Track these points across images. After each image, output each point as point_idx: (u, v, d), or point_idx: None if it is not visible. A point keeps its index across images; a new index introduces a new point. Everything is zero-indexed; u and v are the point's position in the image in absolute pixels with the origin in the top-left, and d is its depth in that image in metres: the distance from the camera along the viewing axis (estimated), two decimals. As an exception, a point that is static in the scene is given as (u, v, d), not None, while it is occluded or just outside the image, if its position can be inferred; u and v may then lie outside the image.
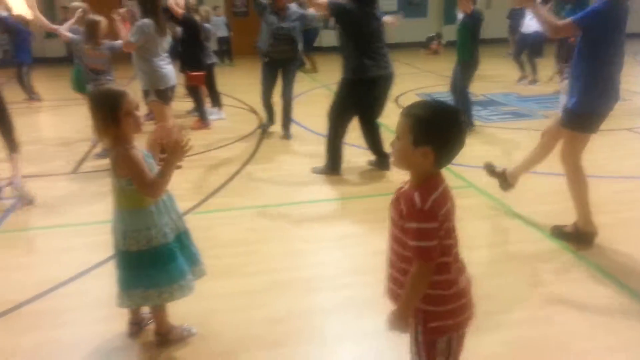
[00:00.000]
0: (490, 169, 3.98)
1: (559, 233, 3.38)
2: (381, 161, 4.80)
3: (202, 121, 6.55)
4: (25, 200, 4.12)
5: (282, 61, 5.82)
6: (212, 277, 2.74)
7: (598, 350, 2.35)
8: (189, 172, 4.90)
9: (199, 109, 6.60)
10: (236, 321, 2.59)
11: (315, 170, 4.78)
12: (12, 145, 4.13)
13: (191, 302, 2.56)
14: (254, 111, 7.55)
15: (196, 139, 5.99)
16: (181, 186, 4.46)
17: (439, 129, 1.51)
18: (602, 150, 5.42)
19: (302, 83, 10.10)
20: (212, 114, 6.96)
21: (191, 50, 6.28)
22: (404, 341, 1.72)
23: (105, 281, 2.44)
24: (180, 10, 5.79)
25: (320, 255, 3.29)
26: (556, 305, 2.68)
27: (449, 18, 15.86)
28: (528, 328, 2.50)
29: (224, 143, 5.88)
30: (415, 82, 9.68)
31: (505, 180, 3.84)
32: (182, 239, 2.33)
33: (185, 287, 2.26)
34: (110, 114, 2.05)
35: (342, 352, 2.38)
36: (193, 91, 6.56)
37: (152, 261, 2.20)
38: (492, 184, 4.37)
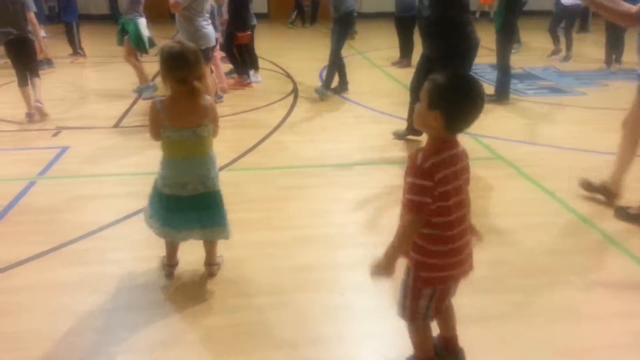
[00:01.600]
0: (587, 185, 3.60)
1: (624, 215, 3.30)
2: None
3: (243, 79, 6.79)
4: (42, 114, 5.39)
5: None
6: (242, 229, 2.96)
7: (608, 317, 2.44)
8: (225, 132, 5.04)
9: (241, 68, 6.82)
10: (263, 268, 2.79)
11: (397, 134, 4.82)
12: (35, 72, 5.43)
13: (223, 250, 2.77)
14: (288, 75, 7.66)
15: (234, 100, 6.20)
16: (217, 145, 4.65)
17: (449, 96, 1.62)
18: None
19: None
20: (250, 76, 7.13)
21: (239, 11, 6.48)
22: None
23: (144, 226, 2.65)
24: None
25: (342, 216, 3.43)
26: (570, 275, 2.76)
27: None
28: (540, 292, 2.60)
29: (260, 104, 6.02)
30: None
31: (608, 191, 3.49)
32: None
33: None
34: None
35: (359, 302, 2.54)
36: (239, 50, 6.74)
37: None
38: (519, 156, 4.42)
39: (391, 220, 3.27)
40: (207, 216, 2.53)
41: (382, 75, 7.80)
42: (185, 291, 2.61)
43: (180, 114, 2.35)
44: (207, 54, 4.96)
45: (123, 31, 6.05)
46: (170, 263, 2.69)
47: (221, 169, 3.94)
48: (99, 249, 2.99)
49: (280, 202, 3.59)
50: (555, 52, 9.01)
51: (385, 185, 3.94)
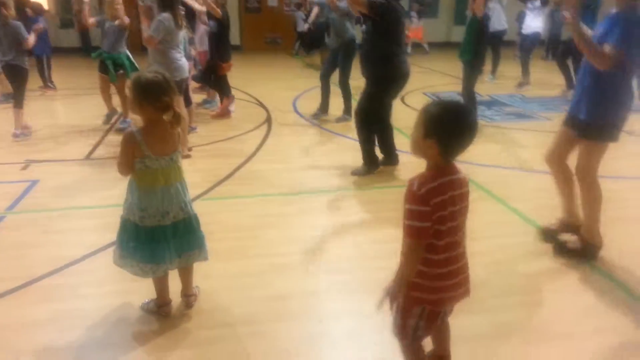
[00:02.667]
0: (548, 233, 3.45)
1: (562, 250, 3.25)
2: (389, 159, 4.84)
3: (225, 110, 6.83)
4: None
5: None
6: (218, 258, 2.93)
7: (584, 334, 2.48)
8: (200, 161, 5.08)
9: (227, 90, 6.91)
10: (239, 298, 2.75)
11: (355, 172, 4.72)
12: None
13: (198, 280, 2.74)
14: (261, 104, 7.72)
15: (208, 130, 6.20)
16: (192, 174, 4.63)
17: (443, 125, 1.68)
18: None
19: (311, 79, 10.29)
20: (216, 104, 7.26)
21: (222, 42, 6.55)
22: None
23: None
24: (219, 10, 6.14)
25: (318, 243, 3.44)
26: (545, 292, 2.82)
27: (459, 19, 15.97)
28: (517, 311, 2.64)
29: (234, 134, 6.04)
30: (423, 81, 9.79)
31: (570, 225, 3.38)
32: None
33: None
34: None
35: (338, 328, 2.53)
36: (220, 81, 6.79)
37: None
38: (489, 179, 4.52)
39: (370, 246, 3.35)
40: (188, 241, 2.51)
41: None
42: (161, 324, 2.55)
43: (159, 141, 2.35)
44: (181, 85, 4.98)
45: (115, 66, 6.07)
46: (166, 301, 2.61)
47: (196, 198, 3.94)
48: (71, 284, 2.91)
49: (256, 230, 3.58)
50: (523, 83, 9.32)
51: (361, 211, 3.97)
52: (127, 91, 2.41)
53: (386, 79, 4.46)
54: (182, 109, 4.96)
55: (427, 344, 2.06)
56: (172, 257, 2.47)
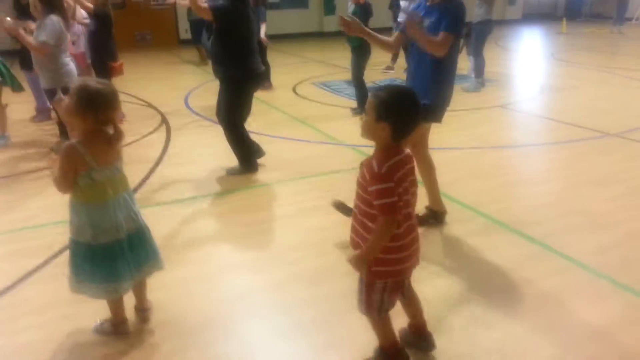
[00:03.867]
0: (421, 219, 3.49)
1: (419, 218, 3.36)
2: (247, 165, 4.71)
3: (121, 114, 6.36)
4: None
5: None
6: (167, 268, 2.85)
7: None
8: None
9: None
10: (195, 304, 2.73)
11: (230, 172, 4.69)
12: None
13: (151, 293, 2.66)
14: (151, 105, 7.42)
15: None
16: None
17: (395, 108, 1.86)
18: (483, 124, 6.22)
19: (195, 76, 10.05)
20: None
21: (106, 40, 6.13)
22: (353, 304, 2.10)
23: (47, 285, 2.40)
24: (90, 5, 5.70)
25: (261, 238, 3.50)
26: (466, 258, 3.18)
27: (329, 9, 16.54)
28: (449, 275, 2.95)
29: (131, 139, 5.75)
30: (308, 71, 10.06)
31: (435, 213, 3.58)
32: None
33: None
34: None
35: (300, 316, 2.63)
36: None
37: None
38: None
39: (312, 234, 3.44)
40: (145, 252, 2.43)
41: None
42: (125, 344, 2.44)
43: (103, 152, 2.23)
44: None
45: None
46: (123, 319, 2.49)
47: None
48: (6, 317, 2.66)
49: (194, 236, 3.52)
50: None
51: (290, 202, 4.07)
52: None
53: (239, 79, 4.40)
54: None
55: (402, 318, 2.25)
56: (133, 272, 2.38)
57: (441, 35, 3.10)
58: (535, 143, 5.49)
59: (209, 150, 5.37)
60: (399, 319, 2.26)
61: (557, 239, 3.34)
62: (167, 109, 7.16)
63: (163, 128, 6.25)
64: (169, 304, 2.72)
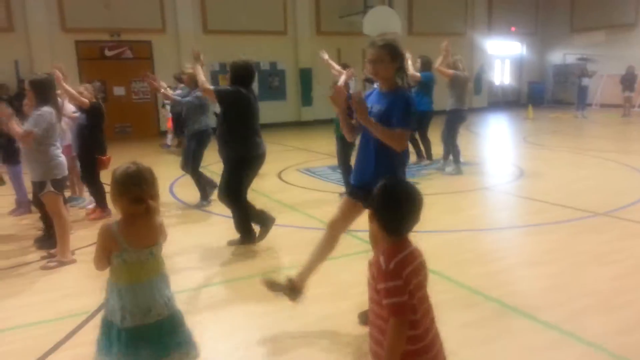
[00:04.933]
0: (270, 284, 3.41)
1: (271, 285, 3.37)
2: (248, 236, 4.89)
3: (103, 210, 6.12)
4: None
5: None
6: None
7: None
8: (86, 265, 4.55)
9: (100, 196, 6.16)
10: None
11: (231, 243, 4.91)
12: None
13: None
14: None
15: (88, 230, 5.59)
16: (87, 282, 4.16)
17: (382, 205, 1.85)
18: (472, 207, 6.27)
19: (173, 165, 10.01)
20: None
21: (96, 132, 6.07)
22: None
23: None
24: (86, 100, 5.73)
25: (265, 330, 3.29)
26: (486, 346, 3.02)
27: (306, 101, 17.19)
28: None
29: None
30: (291, 158, 10.18)
31: (294, 287, 3.32)
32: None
33: None
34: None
35: None
36: (95, 178, 6.15)
37: None
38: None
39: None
40: (176, 340, 2.28)
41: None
42: None
43: (137, 234, 2.23)
44: (63, 183, 4.52)
45: None
46: None
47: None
48: None
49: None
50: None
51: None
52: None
53: (241, 160, 4.67)
54: (63, 210, 4.49)
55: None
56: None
57: (399, 131, 2.99)
58: (528, 224, 5.51)
59: (201, 239, 5.21)
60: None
61: (574, 324, 3.22)
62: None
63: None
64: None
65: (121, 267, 2.22)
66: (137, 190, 2.20)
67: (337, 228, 3.34)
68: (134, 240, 2.22)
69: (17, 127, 4.26)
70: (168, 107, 12.01)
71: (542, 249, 4.69)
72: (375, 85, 3.45)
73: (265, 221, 4.92)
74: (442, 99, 8.73)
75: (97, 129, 6.04)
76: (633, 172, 8.01)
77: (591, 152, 9.97)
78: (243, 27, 15.52)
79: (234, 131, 4.60)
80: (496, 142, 12.76)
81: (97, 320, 3.34)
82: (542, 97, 22.01)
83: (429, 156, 9.27)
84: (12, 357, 3.07)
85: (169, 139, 12.65)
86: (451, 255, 4.31)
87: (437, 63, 8.09)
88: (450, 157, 8.41)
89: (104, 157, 6.12)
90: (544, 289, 3.77)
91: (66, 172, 4.60)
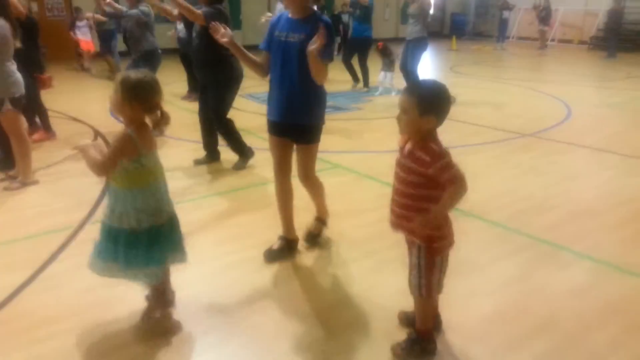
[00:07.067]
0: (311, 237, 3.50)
1: (270, 256, 3.28)
2: (245, 153, 5.15)
3: (48, 131, 6.04)
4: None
5: None
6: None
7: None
8: (56, 185, 4.54)
9: (45, 117, 6.04)
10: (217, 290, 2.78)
11: (236, 167, 5.07)
12: None
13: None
14: (78, 120, 7.06)
15: (41, 151, 5.45)
16: (58, 199, 4.19)
17: (439, 101, 2.11)
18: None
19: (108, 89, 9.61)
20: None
21: (35, 53, 5.69)
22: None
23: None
24: (22, 10, 5.28)
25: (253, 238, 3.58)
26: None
27: (236, 24, 16.60)
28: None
29: (72, 153, 5.45)
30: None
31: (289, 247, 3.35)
32: None
33: None
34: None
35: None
36: (38, 98, 5.88)
37: None
38: (354, 161, 5.16)
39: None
40: (177, 240, 2.48)
41: (177, 109, 7.79)
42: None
43: (149, 138, 2.32)
44: (20, 102, 4.35)
45: None
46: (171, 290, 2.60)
47: (84, 223, 3.63)
48: (13, 331, 2.50)
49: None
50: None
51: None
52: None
53: (228, 79, 4.78)
54: (23, 130, 4.38)
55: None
56: (168, 257, 2.44)
57: (325, 62, 2.88)
58: (467, 144, 6.06)
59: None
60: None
61: (517, 222, 3.83)
62: (98, 124, 6.81)
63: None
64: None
65: (138, 172, 2.27)
66: (157, 97, 2.28)
67: (284, 172, 3.21)
68: (147, 144, 2.30)
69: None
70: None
71: (484, 164, 5.27)
72: (278, 9, 3.37)
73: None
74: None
75: (32, 46, 5.58)
76: (550, 99, 8.87)
77: (513, 82, 10.78)
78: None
79: (218, 52, 4.41)
80: (426, 72, 13.28)
81: (85, 234, 3.55)
82: (463, 29, 22.77)
83: (366, 84, 9.61)
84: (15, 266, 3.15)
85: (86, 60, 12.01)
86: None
87: None
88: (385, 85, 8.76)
89: (44, 76, 5.79)
90: (492, 196, 4.34)
91: (23, 91, 4.38)
